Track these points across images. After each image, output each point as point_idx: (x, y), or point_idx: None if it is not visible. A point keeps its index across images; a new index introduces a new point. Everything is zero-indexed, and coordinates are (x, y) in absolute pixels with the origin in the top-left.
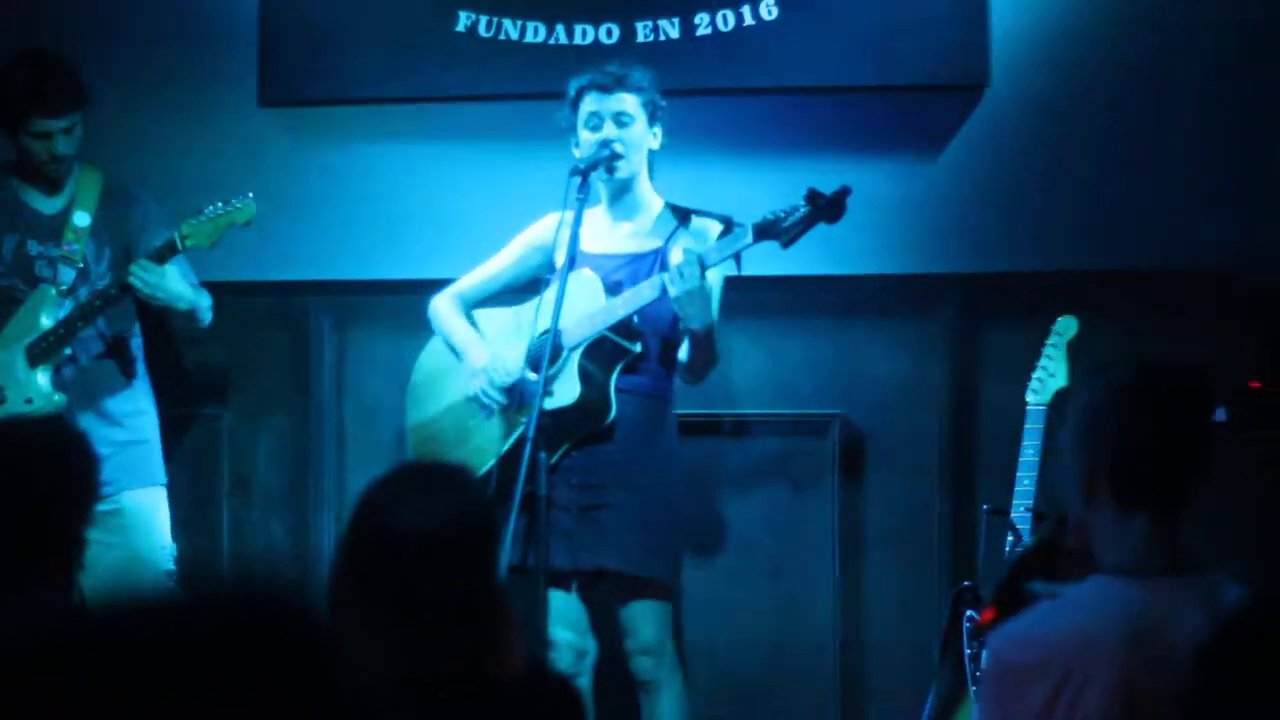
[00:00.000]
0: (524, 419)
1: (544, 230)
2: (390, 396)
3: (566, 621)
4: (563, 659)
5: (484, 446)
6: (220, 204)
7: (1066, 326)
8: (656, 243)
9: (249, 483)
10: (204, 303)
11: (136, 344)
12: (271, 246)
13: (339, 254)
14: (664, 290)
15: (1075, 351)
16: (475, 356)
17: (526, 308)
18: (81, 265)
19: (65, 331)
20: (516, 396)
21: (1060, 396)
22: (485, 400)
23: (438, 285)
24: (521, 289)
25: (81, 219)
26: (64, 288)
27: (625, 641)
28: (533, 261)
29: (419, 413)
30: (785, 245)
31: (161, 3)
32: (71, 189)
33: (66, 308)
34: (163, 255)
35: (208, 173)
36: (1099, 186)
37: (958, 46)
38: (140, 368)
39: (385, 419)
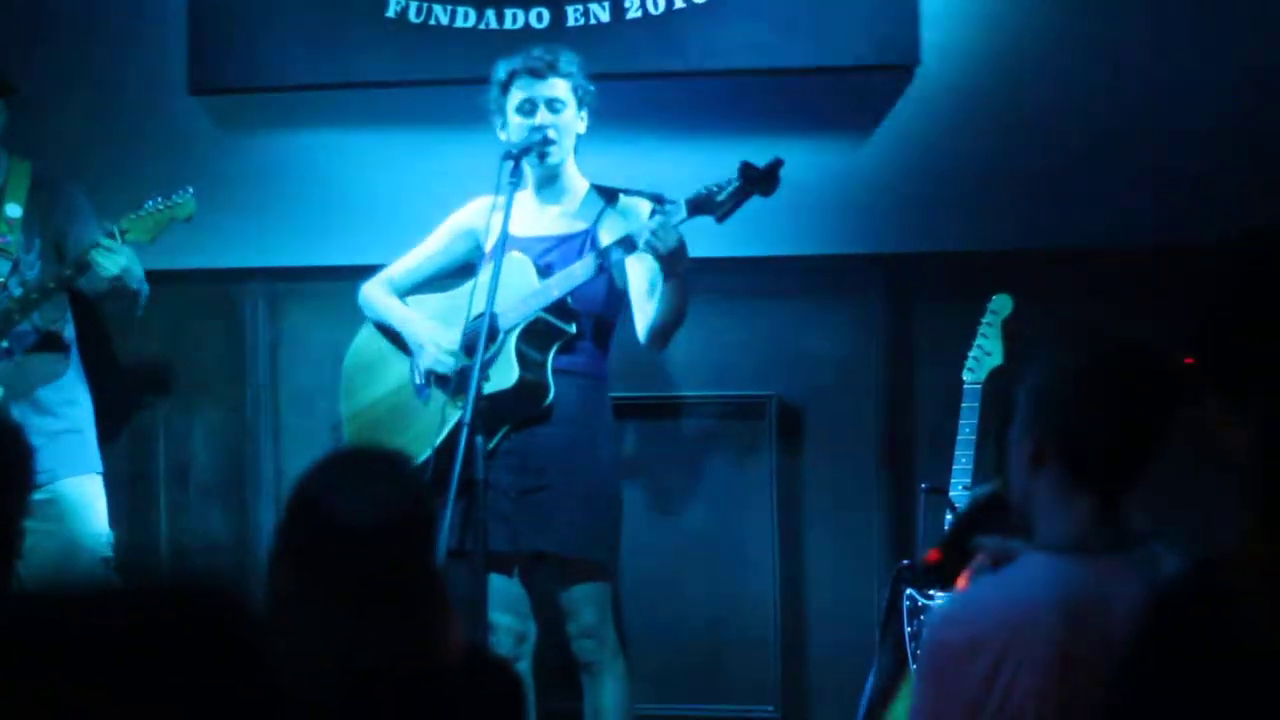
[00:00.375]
0: (461, 404)
1: (472, 215)
2: (326, 383)
3: (506, 605)
4: (502, 643)
5: (422, 433)
6: (160, 199)
7: (1002, 305)
8: (584, 224)
9: (186, 470)
10: (146, 290)
11: (70, 334)
12: (204, 234)
13: (272, 240)
14: (597, 270)
15: (1010, 330)
16: (421, 332)
17: (459, 293)
18: (15, 256)
19: (2, 325)
20: (454, 382)
21: (996, 374)
22: (439, 368)
23: (371, 270)
24: (451, 275)
25: (13, 210)
26: None
27: (566, 624)
28: (462, 247)
29: (355, 401)
30: (720, 219)
31: None
32: (0, 180)
33: (2, 299)
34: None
35: (138, 162)
36: (1030, 166)
37: (888, 26)
38: (74, 357)
39: (321, 405)
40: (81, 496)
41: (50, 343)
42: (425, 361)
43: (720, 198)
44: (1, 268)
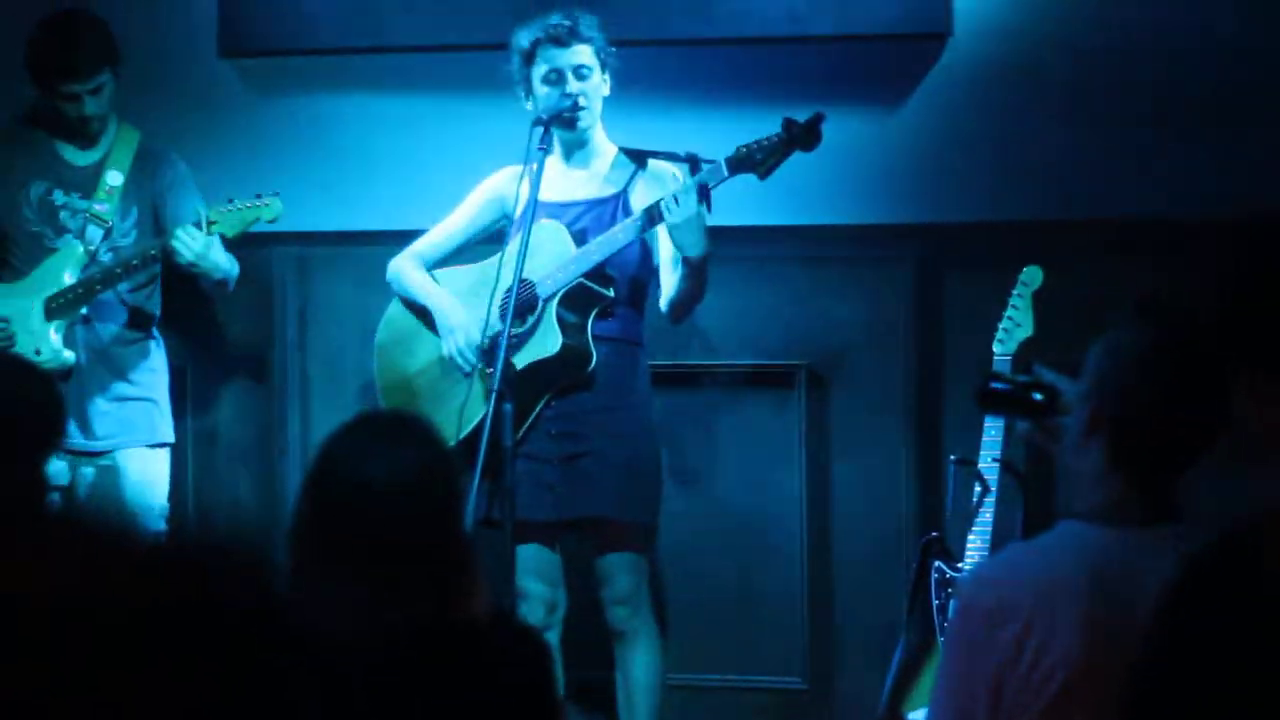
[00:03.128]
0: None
1: (499, 184)
2: (354, 348)
3: (539, 573)
4: (534, 612)
5: (463, 407)
6: (252, 197)
7: (1032, 277)
8: (614, 188)
9: (214, 434)
10: (235, 271)
11: (155, 306)
12: (234, 198)
13: (301, 205)
14: (638, 232)
15: (1041, 302)
16: (450, 315)
17: (490, 263)
18: (109, 225)
19: (84, 291)
20: (478, 368)
21: (1026, 346)
22: (460, 362)
23: (400, 236)
24: (479, 244)
25: (114, 178)
26: (91, 246)
27: (601, 591)
28: (490, 216)
29: (391, 374)
30: (762, 177)
31: None
32: (107, 145)
33: (90, 267)
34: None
35: (169, 124)
36: (1061, 136)
37: None
38: (155, 331)
39: (349, 370)
40: (141, 468)
41: (134, 314)
42: (448, 349)
43: (761, 154)
44: (94, 234)
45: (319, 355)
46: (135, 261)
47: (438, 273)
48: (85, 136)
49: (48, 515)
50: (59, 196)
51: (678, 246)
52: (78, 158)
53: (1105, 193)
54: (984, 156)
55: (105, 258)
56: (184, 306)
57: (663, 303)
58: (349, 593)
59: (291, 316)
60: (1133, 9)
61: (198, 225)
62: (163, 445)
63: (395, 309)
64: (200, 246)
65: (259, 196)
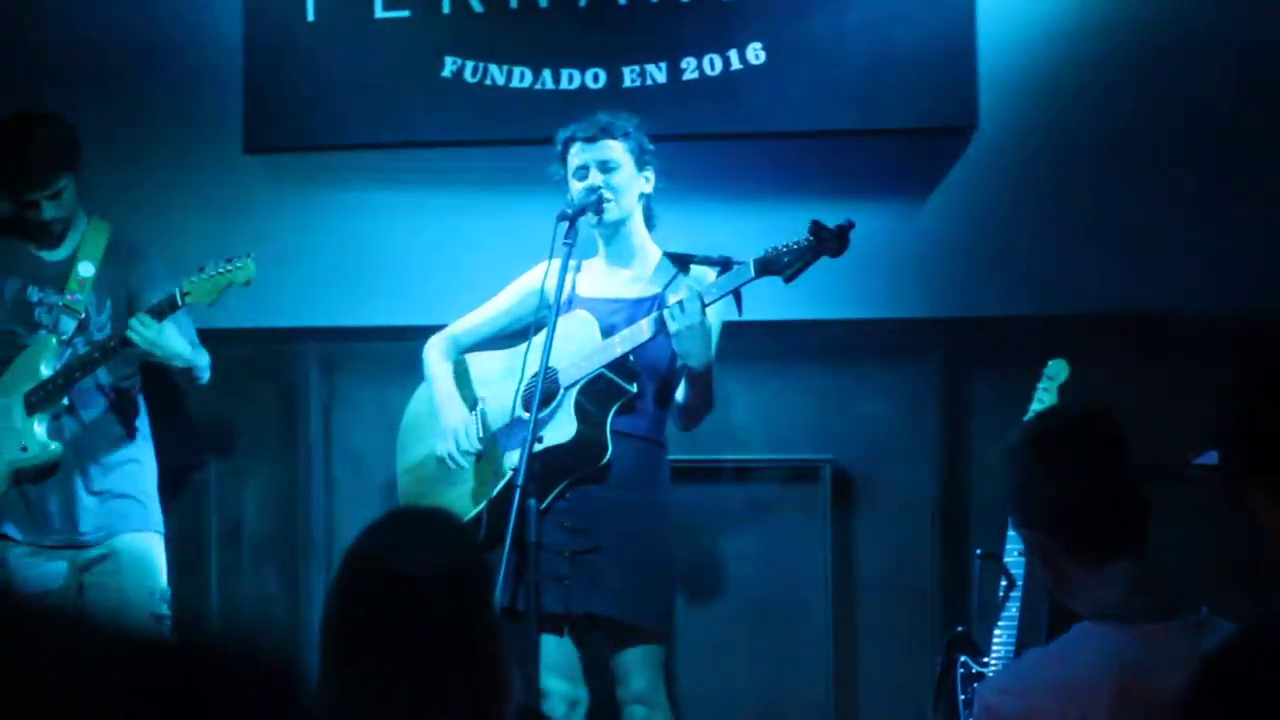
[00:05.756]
0: (512, 464)
1: (539, 276)
2: (378, 443)
3: (559, 669)
4: (555, 709)
5: (472, 490)
6: (222, 262)
7: (1058, 370)
8: (655, 289)
9: (238, 530)
10: (201, 361)
11: (138, 394)
12: (258, 293)
13: (326, 300)
14: (660, 328)
15: (1067, 395)
16: (447, 416)
17: (519, 349)
18: (83, 316)
19: (63, 381)
20: (500, 440)
21: None
22: (451, 465)
23: (425, 331)
24: (514, 335)
25: (86, 269)
26: (64, 337)
27: (617, 690)
28: (528, 306)
29: (409, 455)
30: (788, 280)
31: (146, 54)
32: (76, 240)
33: (66, 357)
34: (162, 311)
35: (194, 222)
36: (1087, 230)
37: (945, 89)
38: (141, 420)
39: (373, 466)
40: (139, 552)
41: (118, 402)
42: (440, 451)
43: (788, 258)
44: (67, 325)
45: (342, 451)
46: (96, 354)
47: (470, 357)
48: (50, 237)
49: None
50: (33, 293)
51: (680, 355)
52: (50, 254)
53: (1132, 286)
54: (1010, 250)
55: (81, 349)
56: (208, 403)
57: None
58: (381, 695)
59: (315, 412)
60: (1161, 103)
61: (170, 302)
62: (155, 532)
63: (419, 392)
64: (152, 334)
65: (230, 260)
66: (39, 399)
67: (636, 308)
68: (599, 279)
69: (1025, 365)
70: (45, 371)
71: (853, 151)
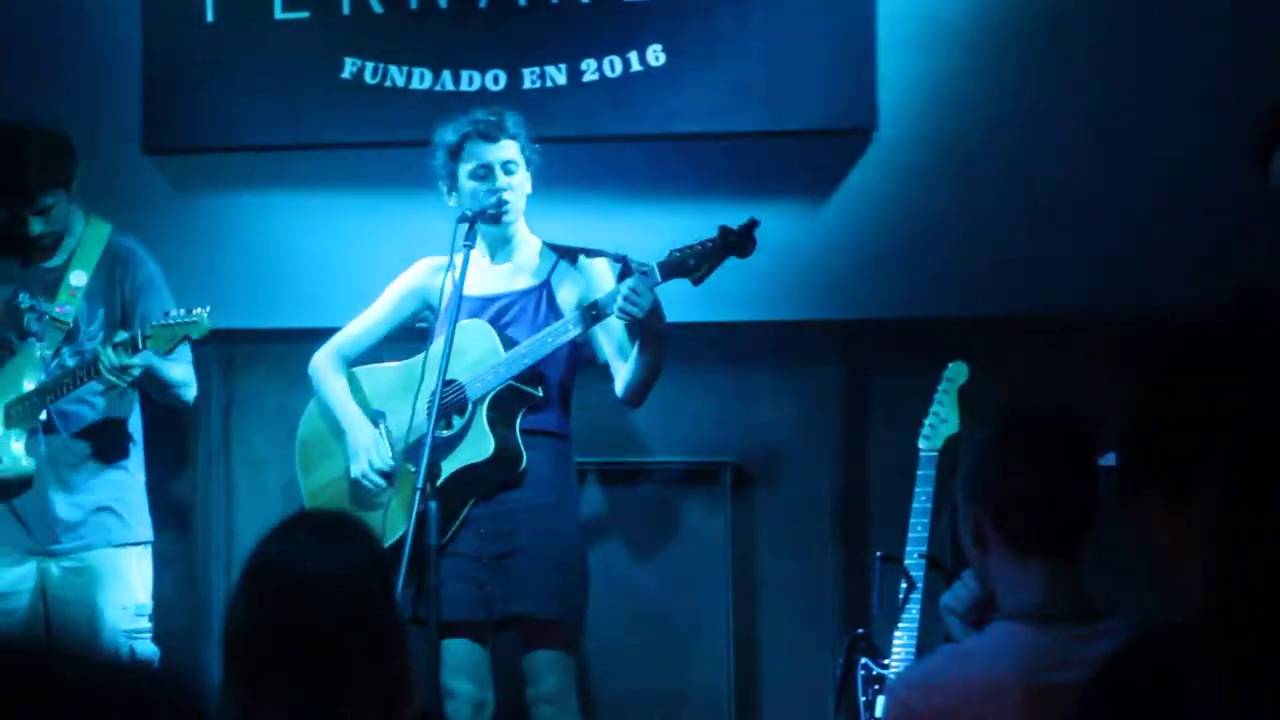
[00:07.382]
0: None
1: (419, 276)
2: (279, 446)
3: (468, 672)
4: (461, 711)
5: (396, 508)
6: (183, 312)
7: (958, 372)
8: (537, 280)
9: None
10: (181, 381)
11: (128, 409)
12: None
13: (226, 302)
14: (580, 335)
15: (966, 397)
16: (357, 436)
17: (414, 362)
18: (71, 327)
19: (39, 400)
20: (413, 456)
21: (952, 442)
22: (367, 484)
23: (325, 333)
24: (400, 337)
25: (78, 278)
26: (48, 350)
27: (527, 690)
28: (410, 308)
29: (316, 476)
30: (697, 282)
31: (44, 53)
32: (71, 246)
33: (51, 369)
34: (128, 348)
35: None
36: (987, 232)
37: (846, 91)
38: (134, 426)
39: (273, 470)
40: (112, 568)
41: (104, 416)
42: (355, 472)
43: (694, 260)
44: (54, 337)
45: (243, 454)
46: (68, 380)
47: (361, 371)
48: (39, 251)
49: None
50: (25, 299)
51: (644, 331)
52: (43, 260)
53: (1031, 288)
54: (909, 251)
55: (70, 361)
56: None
57: (619, 389)
58: (288, 698)
59: (216, 415)
60: (1056, 105)
61: (132, 341)
62: (138, 544)
63: (314, 406)
64: (115, 365)
65: (189, 311)
66: (17, 413)
67: (525, 299)
68: (481, 275)
69: (925, 367)
70: (27, 385)
71: (753, 153)
